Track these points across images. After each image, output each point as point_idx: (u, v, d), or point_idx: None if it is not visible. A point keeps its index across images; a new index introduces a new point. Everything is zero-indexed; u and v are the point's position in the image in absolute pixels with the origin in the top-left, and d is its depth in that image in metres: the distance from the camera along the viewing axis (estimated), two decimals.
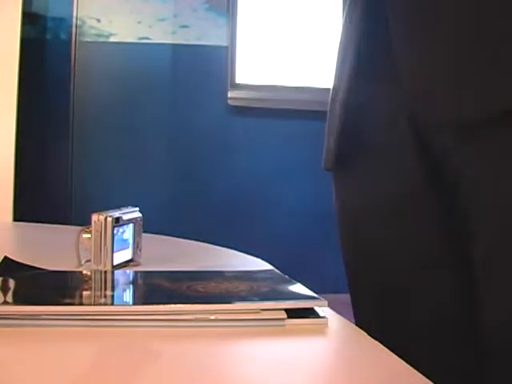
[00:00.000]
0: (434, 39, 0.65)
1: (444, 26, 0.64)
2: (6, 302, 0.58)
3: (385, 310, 0.76)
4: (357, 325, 0.59)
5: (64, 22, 2.98)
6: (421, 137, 0.69)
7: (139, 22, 3.03)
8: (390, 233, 0.75)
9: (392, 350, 0.50)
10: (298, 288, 0.65)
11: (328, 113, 0.80)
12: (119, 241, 0.83)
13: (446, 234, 0.71)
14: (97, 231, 0.80)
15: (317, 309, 0.59)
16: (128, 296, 0.68)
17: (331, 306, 0.60)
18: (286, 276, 0.72)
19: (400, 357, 0.48)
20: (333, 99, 0.79)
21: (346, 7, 0.76)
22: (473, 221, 0.66)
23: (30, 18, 2.84)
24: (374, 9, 0.72)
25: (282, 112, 3.08)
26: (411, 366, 0.46)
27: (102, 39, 3.01)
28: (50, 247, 1.03)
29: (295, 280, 0.68)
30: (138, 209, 0.90)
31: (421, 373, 0.45)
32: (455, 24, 0.64)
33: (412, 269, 0.73)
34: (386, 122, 0.73)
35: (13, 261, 0.79)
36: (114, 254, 0.81)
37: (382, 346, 0.51)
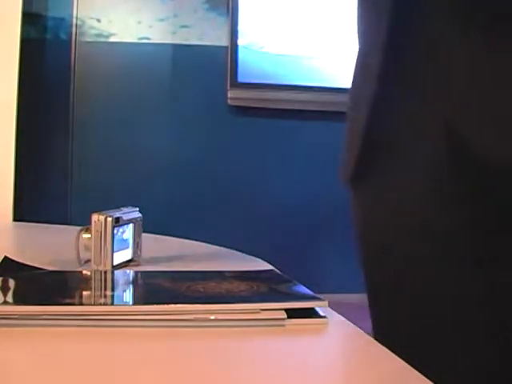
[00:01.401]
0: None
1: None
2: (5, 302, 0.58)
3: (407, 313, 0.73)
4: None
5: (64, 22, 2.98)
6: (458, 150, 0.66)
7: (139, 22, 3.03)
8: (417, 250, 0.72)
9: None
10: (298, 288, 0.65)
11: (348, 120, 0.75)
12: (119, 241, 0.83)
13: (477, 247, 0.69)
14: (97, 231, 0.80)
15: (317, 309, 0.59)
16: (128, 296, 0.68)
17: (331, 306, 0.60)
18: (286, 276, 0.72)
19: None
20: (355, 103, 0.74)
21: None
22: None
23: (30, 18, 2.84)
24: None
25: (282, 112, 3.08)
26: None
27: (102, 39, 3.02)
28: (50, 247, 1.02)
29: (295, 280, 0.68)
30: (137, 209, 0.90)
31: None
32: None
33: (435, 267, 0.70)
34: (418, 133, 0.69)
35: (13, 261, 0.79)
36: (114, 254, 0.81)
37: (381, 345, 0.51)
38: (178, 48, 3.06)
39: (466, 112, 0.65)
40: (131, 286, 0.73)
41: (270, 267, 0.84)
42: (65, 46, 2.98)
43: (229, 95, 3.04)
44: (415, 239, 0.71)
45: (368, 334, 0.56)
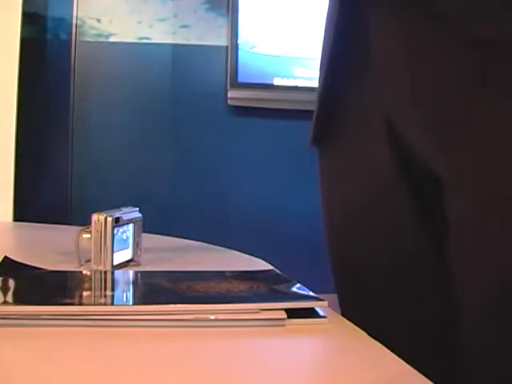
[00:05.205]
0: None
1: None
2: (5, 302, 0.58)
3: (366, 307, 0.75)
4: None
5: (64, 22, 2.98)
6: (394, 136, 0.69)
7: (139, 22, 3.03)
8: (364, 229, 0.74)
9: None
10: (298, 288, 0.65)
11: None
12: (119, 241, 0.83)
13: (421, 231, 0.70)
14: (97, 231, 0.80)
15: (317, 309, 0.59)
16: (128, 296, 0.68)
17: (331, 306, 0.60)
18: (286, 276, 0.72)
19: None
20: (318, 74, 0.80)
21: None
22: (448, 219, 0.66)
23: (30, 18, 2.84)
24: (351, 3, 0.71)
25: (282, 112, 3.08)
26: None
27: (102, 39, 3.01)
28: (50, 247, 1.02)
29: (295, 280, 0.68)
30: (137, 209, 0.90)
31: None
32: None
33: (389, 265, 0.73)
34: (361, 118, 0.73)
35: (13, 261, 0.79)
36: (114, 254, 0.81)
37: (382, 345, 0.51)
38: (178, 48, 3.06)
39: (399, 102, 0.68)
40: (131, 286, 0.73)
41: (270, 267, 0.84)
42: (65, 46, 2.97)
43: (229, 95, 3.04)
44: (365, 221, 0.75)
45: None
